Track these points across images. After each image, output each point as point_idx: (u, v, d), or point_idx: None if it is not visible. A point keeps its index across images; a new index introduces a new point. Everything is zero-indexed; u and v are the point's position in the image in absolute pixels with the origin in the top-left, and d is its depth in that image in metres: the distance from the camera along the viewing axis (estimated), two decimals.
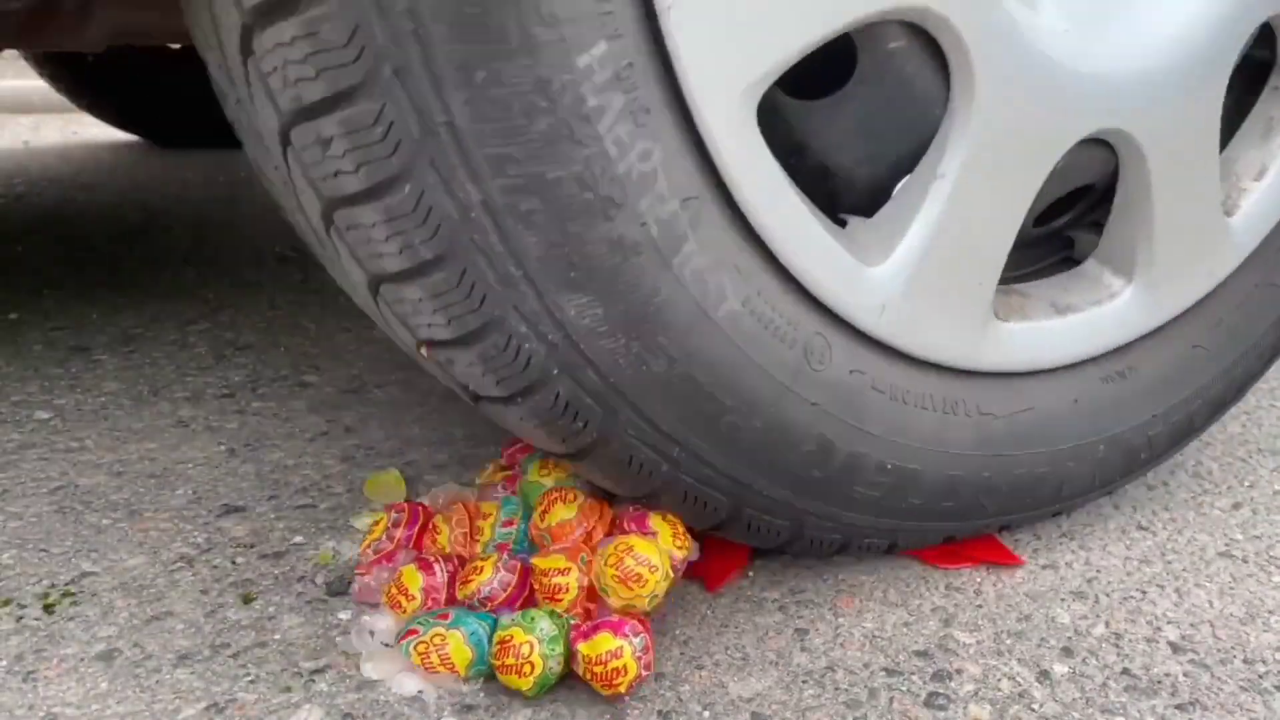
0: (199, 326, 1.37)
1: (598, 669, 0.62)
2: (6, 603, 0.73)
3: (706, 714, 0.63)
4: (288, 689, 0.64)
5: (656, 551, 0.66)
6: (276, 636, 0.70)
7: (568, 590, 0.66)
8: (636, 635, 0.63)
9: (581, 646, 0.62)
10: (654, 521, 0.70)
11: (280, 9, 0.52)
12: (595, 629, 0.63)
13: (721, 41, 0.56)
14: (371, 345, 1.31)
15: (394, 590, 0.69)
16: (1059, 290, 0.81)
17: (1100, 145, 0.74)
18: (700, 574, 0.77)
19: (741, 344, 0.63)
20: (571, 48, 0.54)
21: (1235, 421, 1.11)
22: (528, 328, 0.58)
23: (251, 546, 0.81)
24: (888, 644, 0.70)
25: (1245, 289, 0.86)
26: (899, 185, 0.69)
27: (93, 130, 3.32)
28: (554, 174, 0.55)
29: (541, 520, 0.71)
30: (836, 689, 0.65)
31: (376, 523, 0.77)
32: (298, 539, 0.82)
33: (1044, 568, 0.80)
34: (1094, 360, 0.81)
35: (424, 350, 0.62)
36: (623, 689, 0.62)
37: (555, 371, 0.60)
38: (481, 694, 0.64)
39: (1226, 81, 0.75)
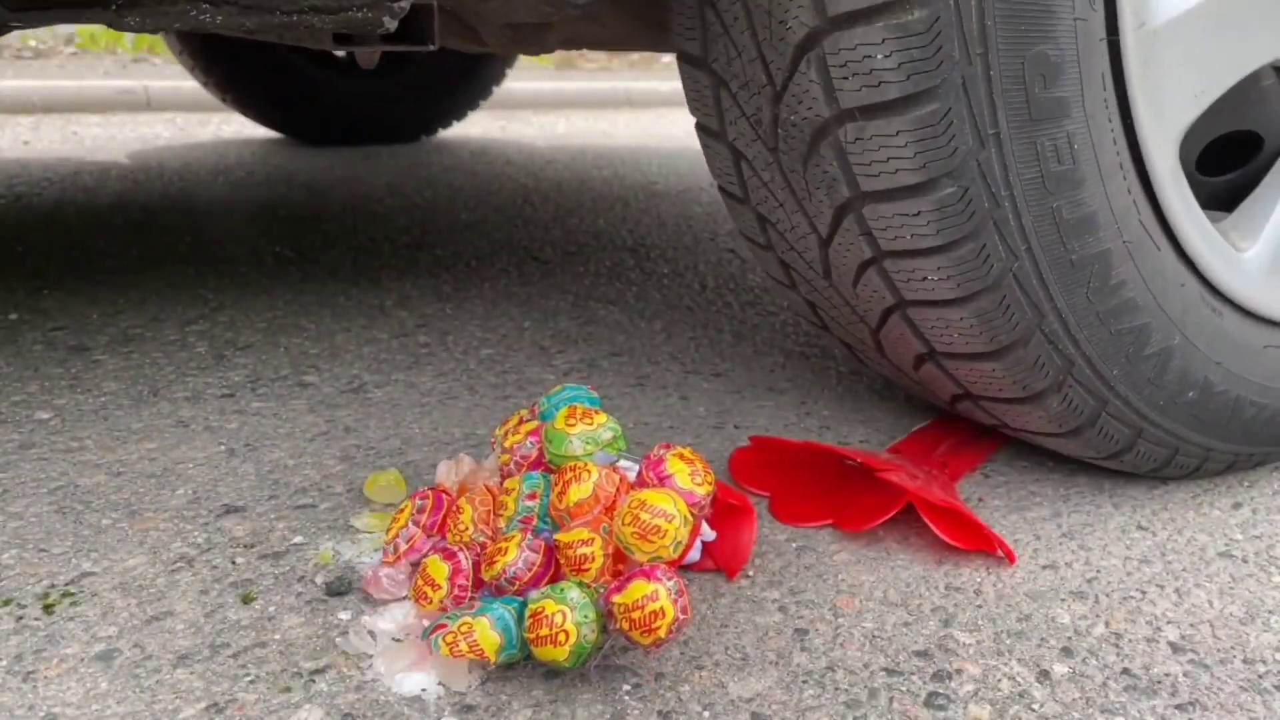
0: (199, 326, 1.37)
1: (635, 614, 0.62)
2: (6, 603, 0.73)
3: (706, 714, 0.63)
4: (288, 689, 0.64)
5: (670, 499, 0.66)
6: (276, 636, 0.70)
7: (593, 559, 0.66)
8: (669, 579, 0.63)
9: (616, 598, 0.63)
10: (670, 463, 0.70)
11: (868, 14, 0.70)
12: (627, 580, 0.63)
13: (1170, 99, 0.79)
14: (371, 345, 1.31)
15: (420, 582, 0.69)
16: None
17: None
18: (720, 564, 0.77)
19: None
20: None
21: None
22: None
23: (251, 546, 0.81)
24: (888, 644, 0.70)
25: None
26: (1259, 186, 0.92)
27: (94, 130, 3.32)
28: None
29: (560, 501, 0.71)
30: (837, 689, 0.65)
31: (400, 510, 0.77)
32: (298, 539, 0.82)
33: (1044, 568, 0.81)
34: None
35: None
36: (662, 633, 0.62)
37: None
38: (481, 694, 0.64)
39: None
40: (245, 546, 0.81)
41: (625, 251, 1.89)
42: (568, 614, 0.63)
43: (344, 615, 0.72)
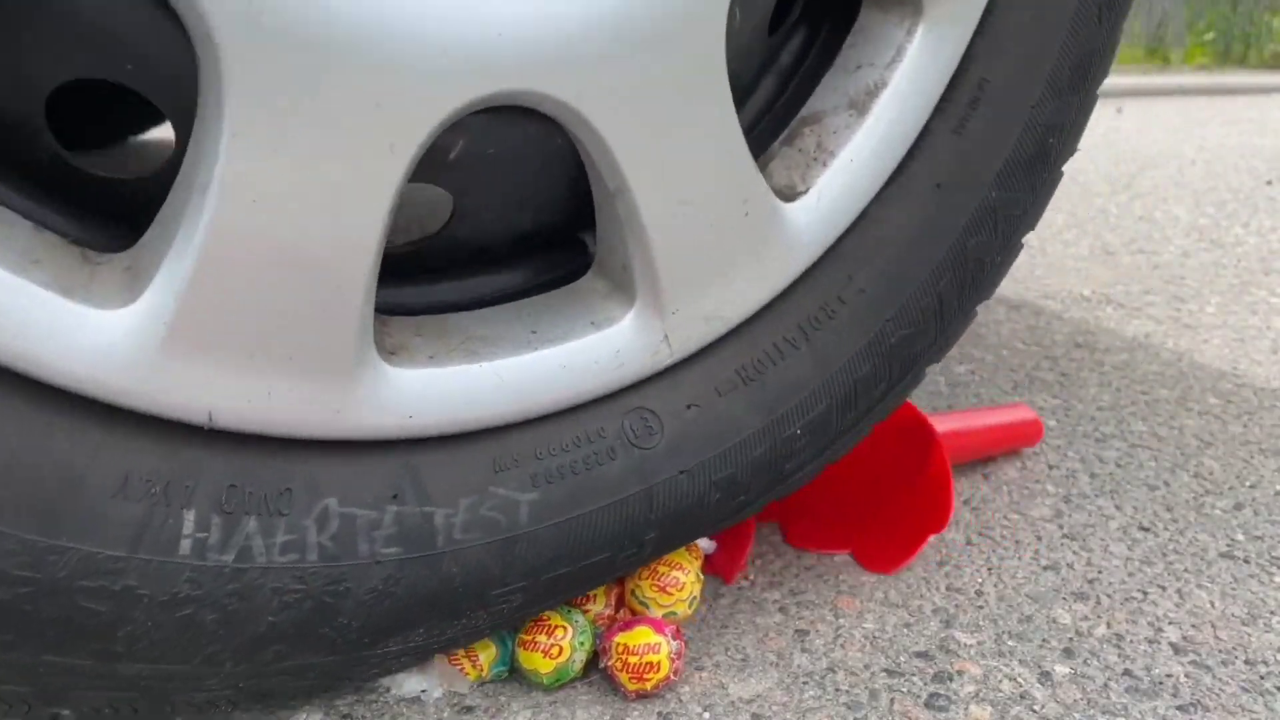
0: None
1: (632, 660, 0.62)
2: None
3: (706, 715, 0.63)
4: None
5: (686, 556, 0.68)
6: None
7: (594, 599, 0.68)
8: (674, 639, 0.64)
9: (619, 637, 0.63)
10: None
11: None
12: (635, 622, 0.64)
13: None
14: None
15: None
16: (847, 78, 0.67)
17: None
18: (716, 569, 0.78)
19: None
20: None
21: (1236, 422, 1.11)
22: None
23: None
24: (888, 645, 0.70)
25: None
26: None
27: None
28: None
29: None
30: (837, 690, 0.65)
31: None
32: None
33: (1045, 568, 0.80)
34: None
35: None
36: (649, 686, 0.63)
37: None
38: (481, 695, 0.64)
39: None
40: None
41: None
42: (569, 631, 0.63)
43: None
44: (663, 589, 0.66)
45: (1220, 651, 0.70)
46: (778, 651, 0.69)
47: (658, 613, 0.67)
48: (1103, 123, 4.61)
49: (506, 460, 0.59)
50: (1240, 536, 0.86)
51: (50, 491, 0.47)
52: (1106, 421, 1.11)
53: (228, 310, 0.49)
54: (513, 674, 0.66)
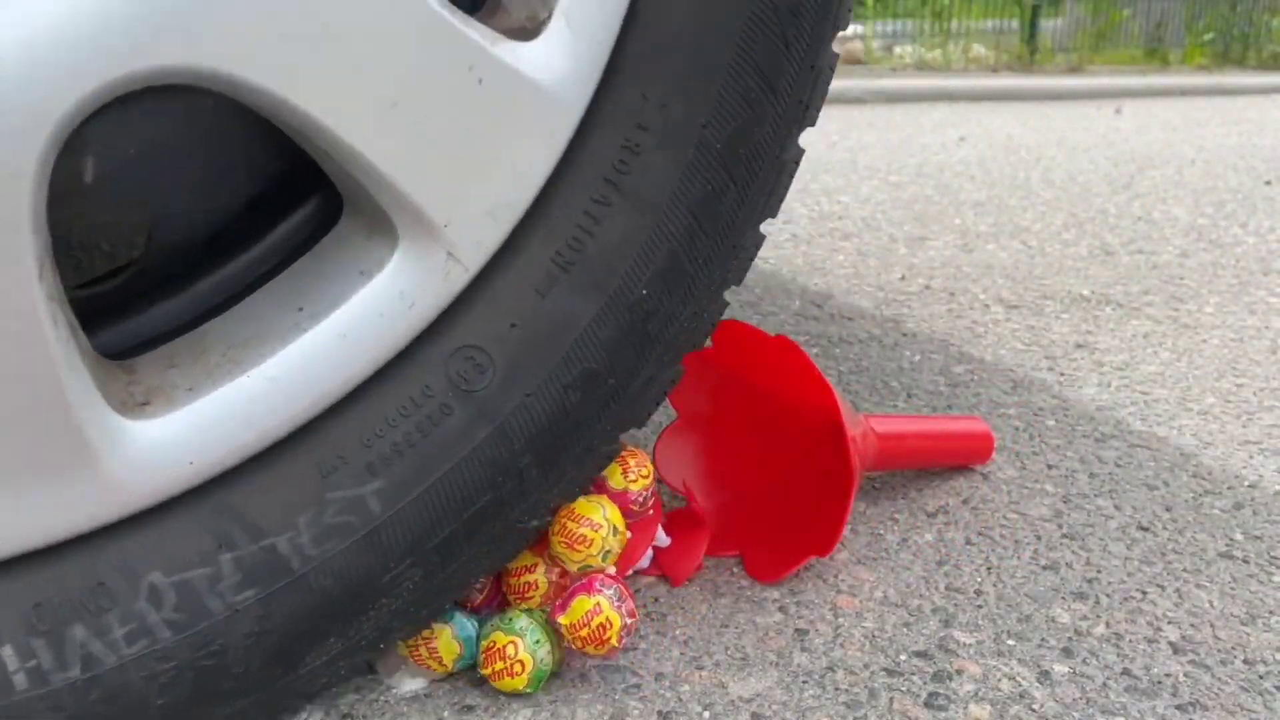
0: None
1: (584, 632, 0.62)
2: None
3: (706, 714, 0.63)
4: None
5: (599, 508, 0.65)
6: None
7: (537, 587, 0.66)
8: (609, 587, 0.63)
9: (561, 619, 0.63)
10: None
11: None
12: (569, 598, 0.63)
13: None
14: None
15: None
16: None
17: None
18: (666, 571, 0.77)
19: None
20: None
21: (1236, 422, 1.11)
22: None
23: None
24: (888, 644, 0.70)
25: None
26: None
27: None
28: None
29: None
30: (837, 689, 0.65)
31: None
32: None
33: (1044, 568, 0.80)
34: None
35: None
36: (614, 641, 0.62)
37: None
38: (481, 694, 0.64)
39: None
40: None
41: None
42: (519, 644, 0.62)
43: None
44: (570, 545, 0.64)
45: (1219, 651, 0.70)
46: (777, 651, 0.69)
47: (574, 567, 0.65)
48: (1102, 123, 4.62)
49: (331, 461, 0.54)
50: (1239, 536, 0.86)
51: None
52: (1105, 421, 1.11)
53: None
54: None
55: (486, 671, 0.63)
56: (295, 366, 0.52)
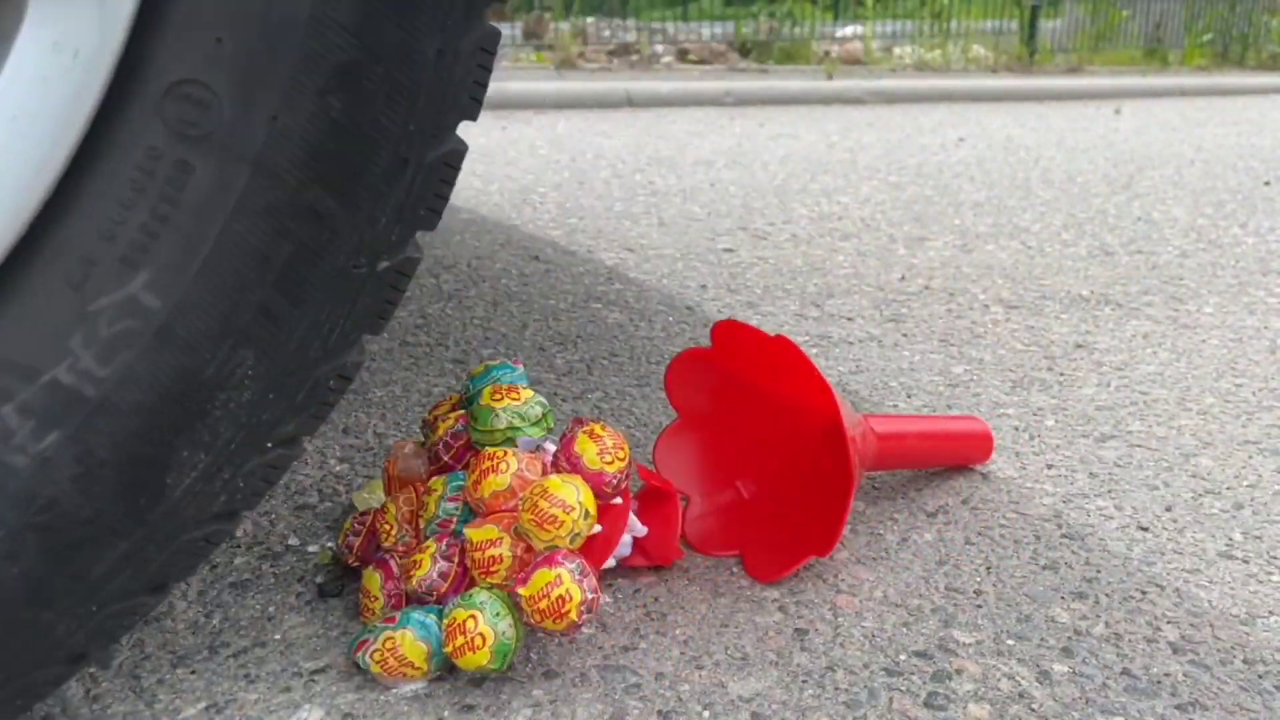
0: None
1: (542, 604, 0.61)
2: None
3: (706, 714, 0.63)
4: (288, 689, 0.64)
5: (573, 490, 0.65)
6: (276, 636, 0.70)
7: (501, 560, 0.66)
8: (571, 560, 0.63)
9: (521, 591, 0.62)
10: (579, 442, 0.69)
11: None
12: (530, 571, 0.63)
13: None
14: (371, 345, 1.30)
15: (360, 595, 0.70)
16: None
17: None
18: (653, 558, 0.77)
19: None
20: None
21: (1235, 422, 1.11)
22: None
23: (251, 546, 0.81)
24: (888, 644, 0.70)
25: None
26: None
27: None
28: None
29: (475, 490, 0.68)
30: (836, 689, 0.65)
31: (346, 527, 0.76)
32: (297, 539, 0.82)
33: (1044, 568, 0.80)
34: None
35: None
36: (574, 615, 0.61)
37: None
38: (481, 693, 0.64)
39: None
40: (245, 546, 0.81)
41: (625, 251, 1.89)
42: (479, 617, 0.62)
43: (345, 616, 0.72)
44: (540, 524, 0.64)
45: (1219, 651, 0.70)
46: (777, 650, 0.69)
47: (540, 545, 0.65)
48: (1101, 123, 4.61)
49: (78, 269, 0.47)
50: (1239, 536, 0.86)
51: None
52: (1106, 421, 1.11)
53: None
54: (508, 670, 0.66)
55: (449, 649, 0.62)
56: None
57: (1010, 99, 6.03)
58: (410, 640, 0.63)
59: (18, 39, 0.44)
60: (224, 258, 0.49)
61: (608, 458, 0.69)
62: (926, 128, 4.32)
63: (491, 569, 0.66)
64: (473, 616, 0.62)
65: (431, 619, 0.64)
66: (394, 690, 0.64)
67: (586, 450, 0.69)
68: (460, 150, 0.56)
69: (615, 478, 0.69)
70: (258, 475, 0.55)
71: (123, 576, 0.53)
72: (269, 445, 0.54)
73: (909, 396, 1.17)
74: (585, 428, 0.70)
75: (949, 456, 0.97)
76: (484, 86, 0.55)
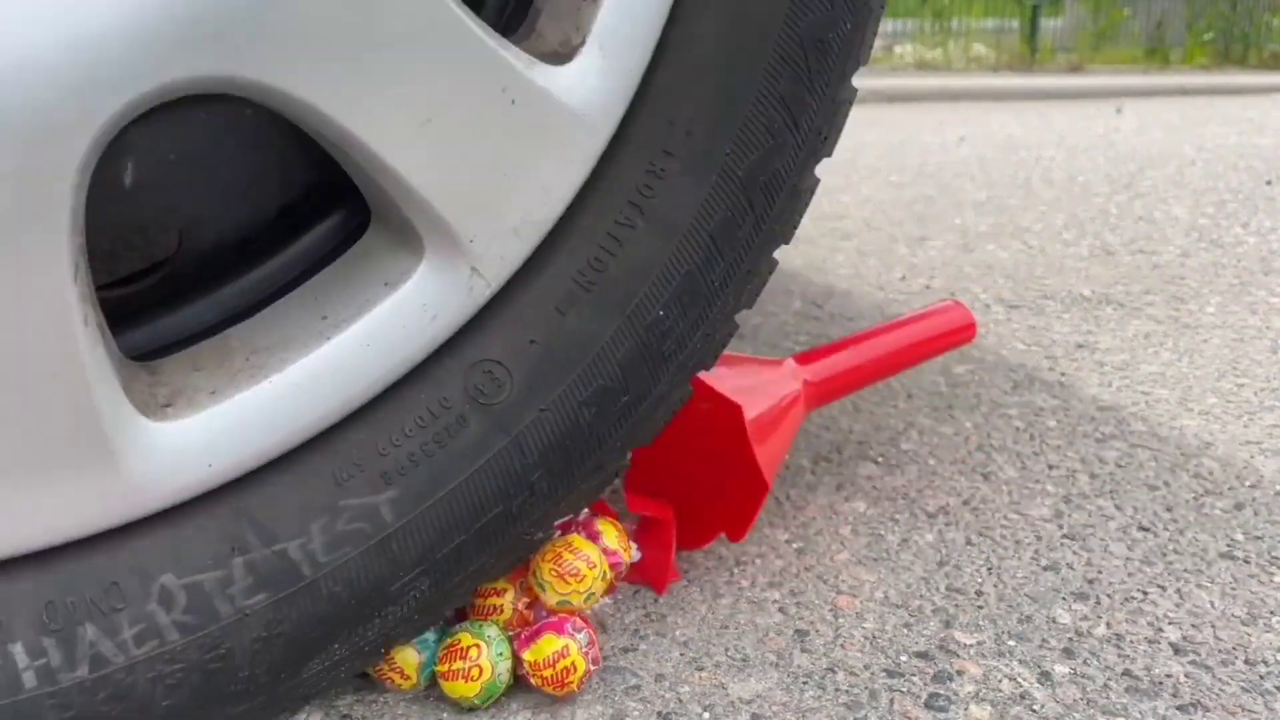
0: None
1: (547, 673, 0.61)
2: None
3: (706, 715, 0.63)
4: None
5: (596, 550, 0.66)
6: None
7: (501, 611, 0.65)
8: (579, 631, 0.63)
9: (526, 654, 0.62)
10: (601, 525, 0.69)
11: None
12: (537, 634, 0.63)
13: None
14: None
15: None
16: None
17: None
18: (645, 578, 0.77)
19: None
20: None
21: (1237, 421, 1.11)
22: None
23: None
24: (888, 645, 0.70)
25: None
26: None
27: None
28: None
29: None
30: (837, 690, 0.65)
31: None
32: None
33: (1045, 569, 0.80)
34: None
35: None
36: (575, 686, 0.62)
37: None
38: None
39: None
40: None
41: None
42: (483, 649, 0.62)
43: None
44: (561, 576, 0.64)
45: (1220, 651, 0.70)
46: (778, 651, 0.69)
47: (554, 599, 0.65)
48: (1102, 123, 4.61)
49: (347, 469, 0.55)
50: (1240, 536, 0.86)
51: None
52: (1106, 421, 1.11)
53: None
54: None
55: (442, 669, 0.62)
56: (317, 373, 0.53)
57: (1011, 98, 6.03)
58: (407, 650, 0.63)
59: (400, 291, 0.54)
60: (454, 502, 0.57)
61: (624, 545, 0.69)
62: (927, 127, 4.32)
63: (488, 617, 0.66)
64: (477, 646, 0.62)
65: (429, 631, 0.64)
66: (393, 691, 0.64)
67: (608, 531, 0.69)
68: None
69: (624, 566, 0.69)
70: (346, 674, 0.60)
71: None
72: (377, 652, 0.61)
73: (909, 397, 1.17)
74: (605, 518, 0.70)
75: (916, 358, 0.97)
76: None
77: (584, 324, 0.58)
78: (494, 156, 0.53)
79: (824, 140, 0.61)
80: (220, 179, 0.55)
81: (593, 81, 0.54)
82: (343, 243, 0.58)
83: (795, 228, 0.63)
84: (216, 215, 0.56)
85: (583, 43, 0.54)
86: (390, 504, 0.56)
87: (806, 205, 0.63)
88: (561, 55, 0.54)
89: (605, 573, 0.66)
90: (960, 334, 0.99)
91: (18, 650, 0.49)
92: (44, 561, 0.50)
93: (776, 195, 0.60)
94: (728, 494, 0.79)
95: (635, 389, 0.60)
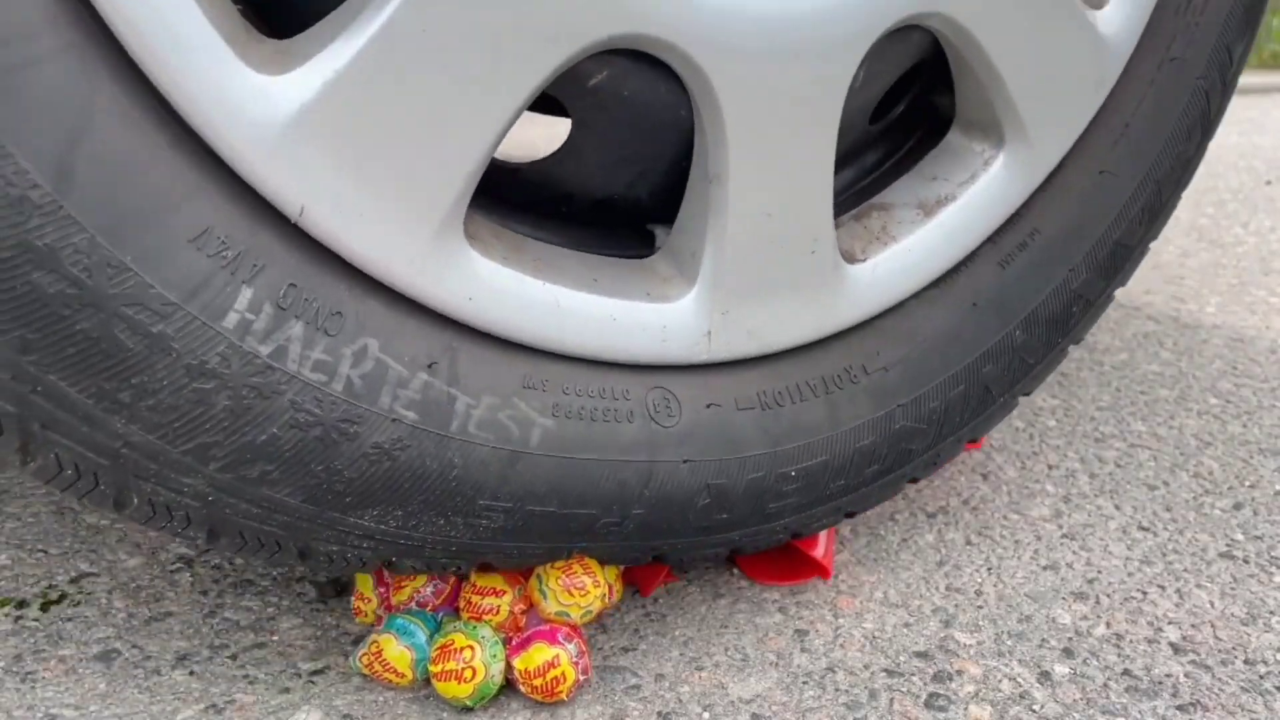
0: None
1: (537, 681, 0.62)
2: (5, 603, 0.73)
3: (706, 715, 0.63)
4: (287, 689, 0.64)
5: (602, 571, 0.67)
6: (276, 637, 0.69)
7: (497, 613, 0.66)
8: (570, 641, 0.63)
9: (517, 661, 0.62)
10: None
11: None
12: (528, 641, 0.63)
13: None
14: None
15: (355, 599, 0.70)
16: (923, 183, 0.75)
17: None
18: (634, 580, 0.76)
19: None
20: None
21: (1236, 421, 1.11)
22: None
23: None
24: (888, 645, 0.70)
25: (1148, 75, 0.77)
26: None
27: None
28: None
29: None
30: (837, 690, 0.65)
31: None
32: None
33: (1045, 568, 0.80)
34: (991, 241, 0.76)
35: None
36: (564, 695, 0.62)
37: None
38: None
39: None
40: None
41: None
42: (477, 650, 0.62)
43: (344, 617, 0.72)
44: (567, 588, 0.65)
45: (1220, 651, 0.70)
46: (777, 651, 0.69)
47: (554, 608, 0.65)
48: None
49: (536, 380, 0.60)
50: (1240, 536, 0.86)
51: (133, 206, 0.47)
52: (1106, 421, 1.11)
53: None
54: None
55: (435, 669, 0.62)
56: (571, 305, 0.61)
57: None
58: (391, 644, 0.63)
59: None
60: (595, 472, 0.63)
61: (615, 583, 0.70)
62: None
63: (483, 617, 0.66)
64: (471, 647, 0.62)
65: (416, 625, 0.64)
66: (392, 691, 0.64)
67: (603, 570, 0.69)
68: None
69: (616, 599, 0.70)
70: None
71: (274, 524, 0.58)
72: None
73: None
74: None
75: None
76: None
77: (746, 428, 0.67)
78: (780, 274, 0.66)
79: (944, 446, 0.77)
80: (617, 134, 0.65)
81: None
82: (626, 254, 0.68)
83: (888, 494, 0.76)
84: (589, 154, 0.67)
85: (864, 260, 0.70)
86: (543, 431, 0.61)
87: (902, 484, 0.77)
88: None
89: (606, 593, 0.67)
90: None
91: (245, 294, 0.51)
92: (315, 254, 0.53)
93: (902, 464, 0.74)
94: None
95: (735, 512, 0.68)
